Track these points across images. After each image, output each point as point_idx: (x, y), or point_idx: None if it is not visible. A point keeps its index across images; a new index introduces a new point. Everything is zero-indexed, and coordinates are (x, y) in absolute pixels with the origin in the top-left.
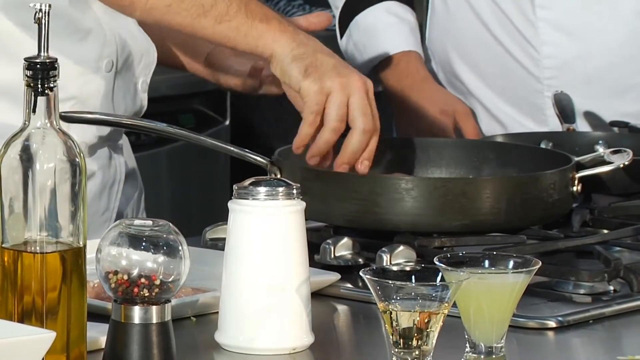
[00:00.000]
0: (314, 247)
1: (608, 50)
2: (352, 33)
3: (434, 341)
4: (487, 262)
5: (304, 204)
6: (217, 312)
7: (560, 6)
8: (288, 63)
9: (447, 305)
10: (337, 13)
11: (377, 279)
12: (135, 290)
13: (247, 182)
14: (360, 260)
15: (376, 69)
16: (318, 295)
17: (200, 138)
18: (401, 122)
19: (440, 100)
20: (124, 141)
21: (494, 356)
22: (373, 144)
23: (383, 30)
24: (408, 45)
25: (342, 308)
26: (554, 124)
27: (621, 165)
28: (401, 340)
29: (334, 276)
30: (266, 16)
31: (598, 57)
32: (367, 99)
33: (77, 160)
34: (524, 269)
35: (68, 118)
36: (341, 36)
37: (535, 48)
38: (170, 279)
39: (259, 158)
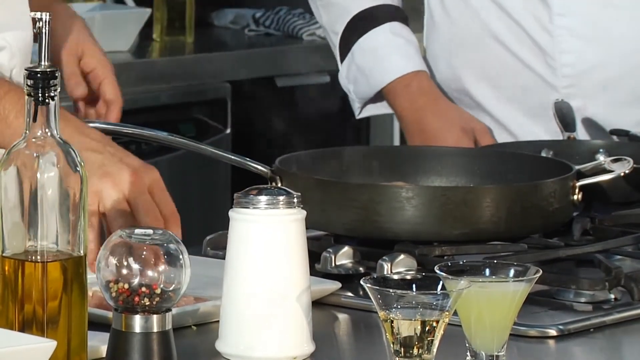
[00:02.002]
0: (314, 255)
1: (626, 57)
2: (355, 56)
3: (435, 350)
4: (487, 271)
5: (304, 212)
6: (218, 321)
7: (579, 13)
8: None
9: (447, 313)
10: (335, 38)
11: (377, 287)
12: (136, 299)
13: (247, 191)
14: (360, 269)
15: (383, 91)
16: (319, 304)
17: (200, 147)
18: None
19: (459, 119)
20: None
21: None
22: None
23: (391, 52)
24: (417, 65)
25: (342, 317)
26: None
27: (622, 174)
28: (402, 349)
29: (335, 285)
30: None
31: (616, 64)
32: None
33: (78, 169)
34: (525, 278)
35: None
36: (341, 61)
37: (552, 57)
38: (171, 288)
39: (259, 167)
